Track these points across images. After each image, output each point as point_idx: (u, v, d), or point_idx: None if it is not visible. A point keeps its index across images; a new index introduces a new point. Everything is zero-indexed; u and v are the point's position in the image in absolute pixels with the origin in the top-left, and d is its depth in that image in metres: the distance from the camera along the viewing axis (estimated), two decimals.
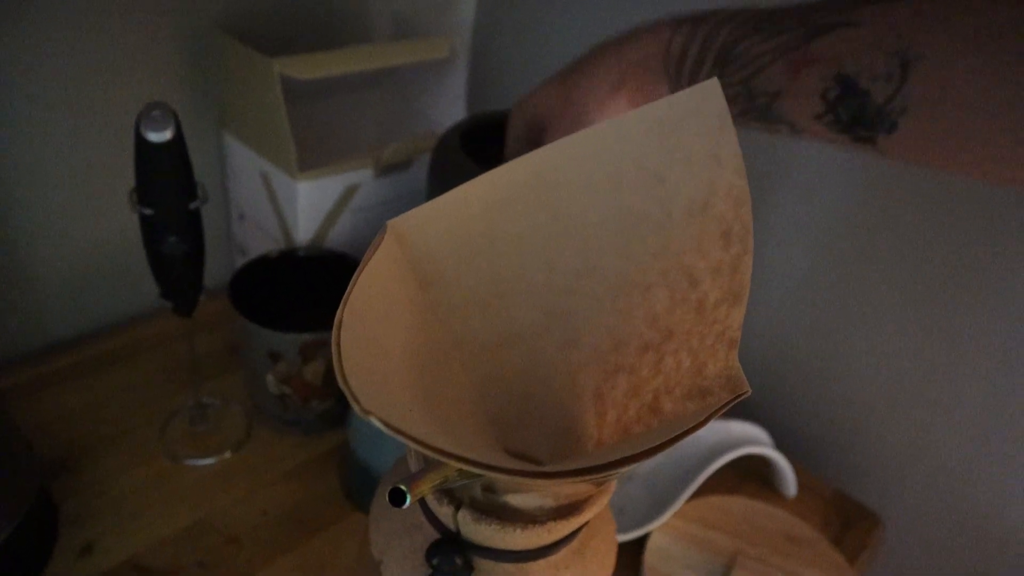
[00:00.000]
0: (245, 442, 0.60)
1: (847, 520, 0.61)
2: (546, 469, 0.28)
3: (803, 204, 0.65)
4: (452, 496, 0.31)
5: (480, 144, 0.59)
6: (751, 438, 0.58)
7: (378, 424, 0.23)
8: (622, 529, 0.53)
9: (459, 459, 0.24)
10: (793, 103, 0.43)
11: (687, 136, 0.32)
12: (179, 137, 0.43)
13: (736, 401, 0.28)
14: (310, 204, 0.62)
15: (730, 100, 0.46)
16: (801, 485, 0.62)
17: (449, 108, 0.72)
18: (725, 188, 0.31)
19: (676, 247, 0.32)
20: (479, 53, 0.87)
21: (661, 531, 0.54)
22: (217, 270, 0.75)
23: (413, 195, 0.68)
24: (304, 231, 0.63)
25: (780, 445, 0.62)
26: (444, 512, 0.31)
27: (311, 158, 0.63)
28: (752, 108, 0.46)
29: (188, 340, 0.56)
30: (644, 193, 0.33)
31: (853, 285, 0.65)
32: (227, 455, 0.59)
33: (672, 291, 0.32)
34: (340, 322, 0.27)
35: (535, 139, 0.53)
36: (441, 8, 0.82)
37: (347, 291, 0.29)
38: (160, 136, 0.42)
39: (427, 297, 0.33)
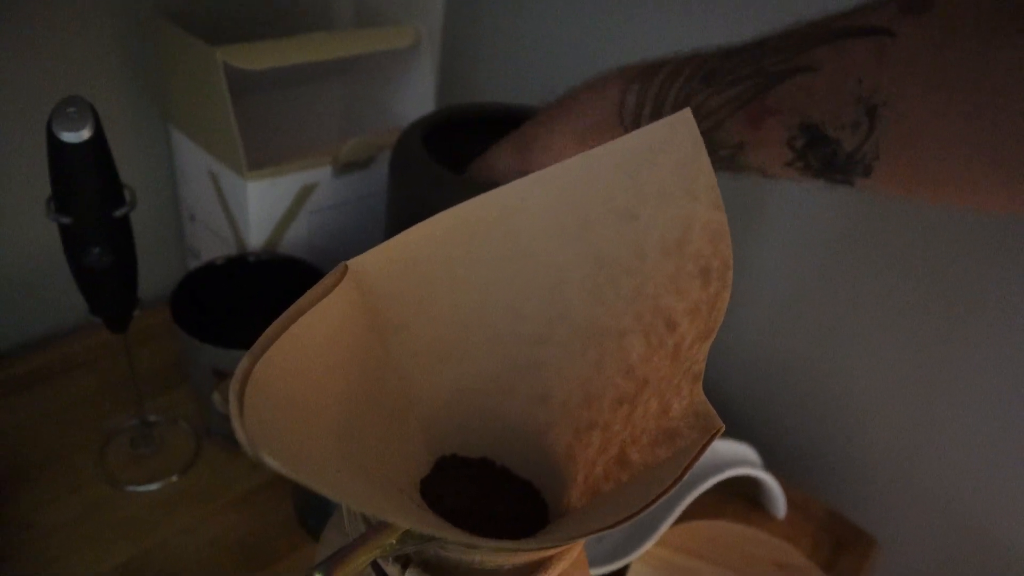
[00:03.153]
0: (193, 464, 0.55)
1: (839, 542, 0.57)
2: (504, 544, 0.24)
3: (792, 216, 0.62)
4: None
5: (445, 141, 0.54)
6: (739, 458, 0.54)
7: (277, 467, 0.19)
8: (599, 560, 0.49)
9: (398, 518, 0.21)
10: (759, 153, 0.40)
11: (659, 170, 0.29)
12: (99, 136, 0.38)
13: (710, 442, 0.25)
14: (262, 205, 0.57)
15: None
16: (791, 504, 0.58)
17: (416, 101, 0.67)
18: (702, 223, 0.28)
19: (651, 289, 0.29)
20: (450, 43, 0.82)
21: (642, 562, 0.50)
22: (169, 274, 0.70)
23: (375, 195, 0.63)
24: (256, 234, 0.59)
25: (769, 462, 0.58)
26: (392, 570, 0.27)
27: (264, 155, 0.58)
28: (717, 159, 0.42)
29: (127, 355, 0.51)
30: (615, 232, 0.30)
31: (845, 297, 0.61)
32: (173, 479, 0.54)
33: (648, 337, 0.28)
34: (245, 375, 0.23)
35: None
36: None
37: (268, 336, 0.25)
38: (76, 136, 0.37)
39: (386, 346, 0.30)
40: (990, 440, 0.56)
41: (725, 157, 0.42)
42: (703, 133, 0.40)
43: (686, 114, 0.28)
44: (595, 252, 0.30)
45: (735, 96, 0.39)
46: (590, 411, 0.30)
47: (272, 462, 0.19)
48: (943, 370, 0.57)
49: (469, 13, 0.80)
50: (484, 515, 0.30)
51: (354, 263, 0.29)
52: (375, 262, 0.29)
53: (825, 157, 0.37)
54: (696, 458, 0.23)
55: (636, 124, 0.44)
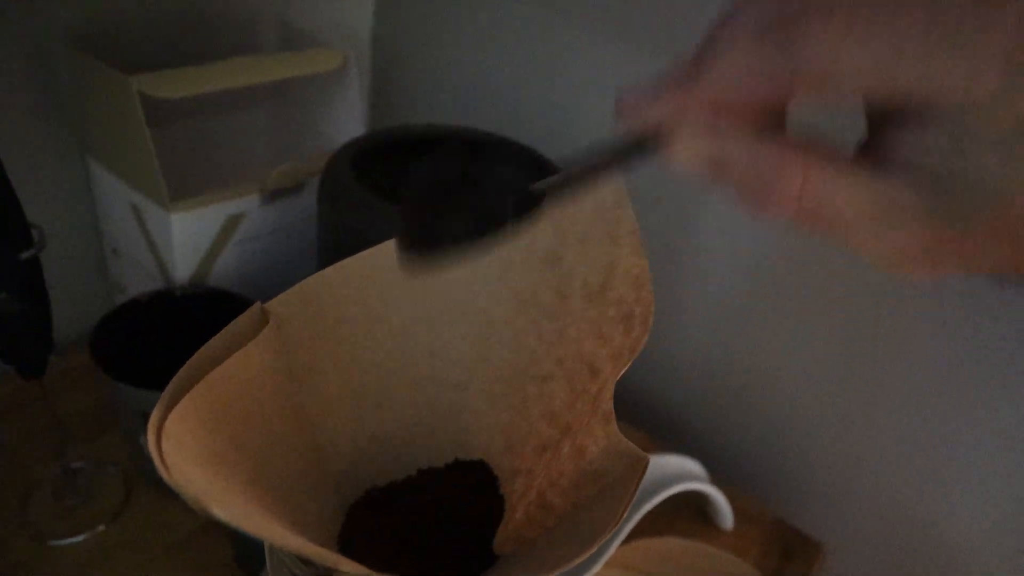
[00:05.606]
0: (123, 511, 0.53)
1: (787, 549, 0.58)
2: None
3: (731, 226, 0.62)
4: None
5: (376, 165, 0.53)
6: (684, 473, 0.54)
7: (226, 519, 0.18)
8: None
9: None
10: None
11: (581, 215, 0.29)
12: None
13: (641, 478, 0.24)
14: (187, 237, 0.55)
15: None
16: (739, 513, 0.58)
17: (345, 125, 0.66)
18: (624, 269, 0.28)
19: (574, 333, 0.28)
20: (380, 64, 0.82)
21: None
22: (93, 311, 0.67)
23: (306, 222, 0.61)
24: (183, 267, 0.57)
25: (715, 472, 0.58)
26: None
27: (189, 185, 0.56)
28: None
29: (46, 401, 0.48)
30: (537, 276, 0.29)
31: (786, 303, 0.62)
32: (100, 528, 0.51)
33: (571, 383, 0.28)
34: (159, 428, 0.21)
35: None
36: (335, 16, 0.76)
37: (179, 383, 0.24)
38: None
39: (300, 393, 0.29)
40: (930, 441, 0.57)
41: None
42: None
43: None
44: (516, 295, 0.29)
45: None
46: (512, 458, 0.29)
47: (221, 514, 0.18)
48: (880, 374, 0.58)
49: (397, 34, 0.79)
50: (416, 554, 0.29)
51: (271, 305, 0.28)
52: (291, 303, 0.28)
53: None
54: (631, 497, 0.23)
55: None
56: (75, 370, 0.60)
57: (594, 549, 0.23)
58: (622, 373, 0.27)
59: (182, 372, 0.24)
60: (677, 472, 0.54)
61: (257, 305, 0.28)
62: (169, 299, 0.54)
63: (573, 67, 0.67)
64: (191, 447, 0.22)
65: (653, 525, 0.54)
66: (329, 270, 0.29)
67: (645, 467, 0.25)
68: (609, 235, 0.29)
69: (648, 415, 0.72)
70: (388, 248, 0.30)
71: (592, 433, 0.26)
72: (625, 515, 0.23)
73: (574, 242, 0.29)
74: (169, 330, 0.55)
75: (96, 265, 0.67)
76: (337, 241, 0.49)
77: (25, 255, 0.38)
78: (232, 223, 0.57)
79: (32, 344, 0.42)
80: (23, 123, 0.58)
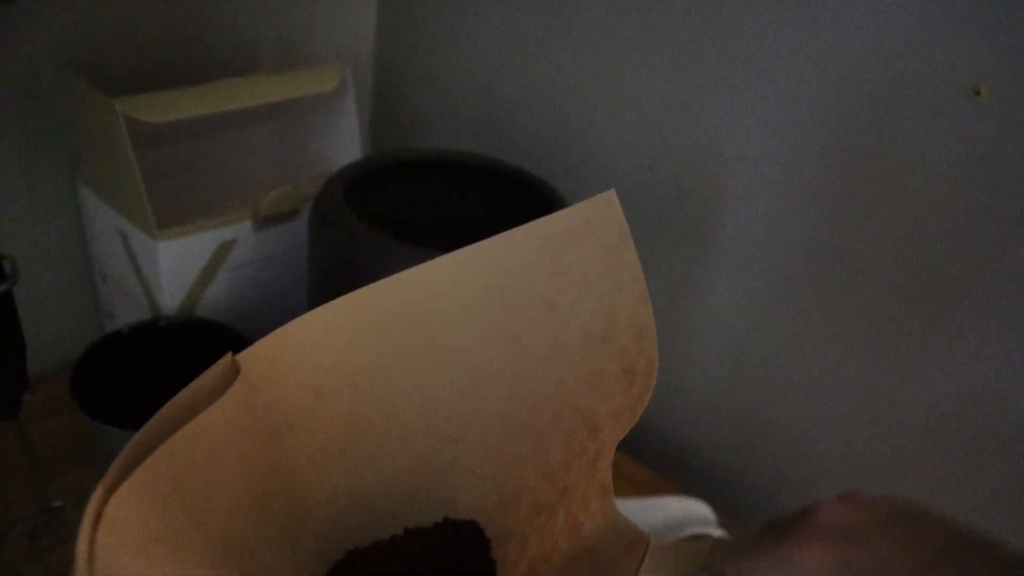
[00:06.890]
0: None
1: None
2: None
3: (746, 248, 0.60)
4: None
5: (372, 190, 0.51)
6: (691, 518, 0.51)
7: None
8: None
9: None
10: None
11: (582, 255, 0.26)
12: None
13: (644, 559, 0.22)
14: (175, 265, 0.53)
15: None
16: None
17: (345, 145, 0.64)
18: (626, 317, 0.25)
19: (572, 386, 0.26)
20: (383, 83, 0.80)
21: None
22: (80, 336, 0.65)
23: (300, 249, 0.59)
24: (171, 295, 0.54)
25: (723, 507, 0.55)
26: None
27: (181, 210, 0.54)
28: None
29: (23, 440, 0.46)
30: (535, 320, 0.27)
31: (798, 343, 0.59)
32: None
33: (568, 440, 0.26)
34: (98, 513, 0.19)
35: None
36: (336, 34, 0.74)
37: (128, 456, 0.21)
38: None
39: (274, 451, 0.26)
40: (948, 482, 0.54)
41: None
42: None
43: (610, 195, 0.26)
44: (513, 340, 0.27)
45: None
46: (505, 517, 0.26)
47: None
48: (898, 413, 0.56)
49: (400, 53, 0.77)
50: None
51: (243, 356, 0.26)
52: (264, 353, 0.26)
53: None
54: None
55: None
56: (60, 397, 0.58)
57: None
58: (623, 435, 0.25)
59: (137, 437, 0.22)
60: (683, 517, 0.51)
61: (228, 357, 0.26)
62: (154, 330, 0.52)
63: (583, 91, 0.64)
64: (136, 531, 0.19)
65: None
66: (305, 317, 0.27)
67: (647, 548, 0.22)
68: (611, 279, 0.27)
69: (655, 449, 0.69)
70: (370, 291, 0.27)
71: (588, 507, 0.23)
72: None
73: (573, 285, 0.27)
74: (154, 362, 0.53)
75: (86, 291, 0.65)
76: (327, 271, 0.47)
77: None
78: (223, 250, 0.55)
79: (4, 384, 0.40)
80: (13, 146, 0.56)
